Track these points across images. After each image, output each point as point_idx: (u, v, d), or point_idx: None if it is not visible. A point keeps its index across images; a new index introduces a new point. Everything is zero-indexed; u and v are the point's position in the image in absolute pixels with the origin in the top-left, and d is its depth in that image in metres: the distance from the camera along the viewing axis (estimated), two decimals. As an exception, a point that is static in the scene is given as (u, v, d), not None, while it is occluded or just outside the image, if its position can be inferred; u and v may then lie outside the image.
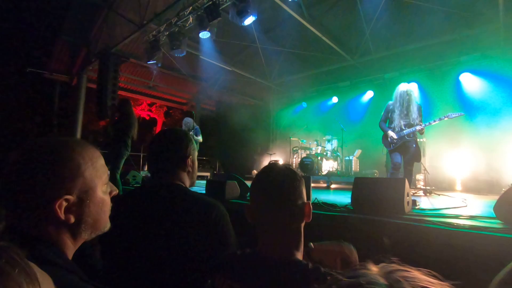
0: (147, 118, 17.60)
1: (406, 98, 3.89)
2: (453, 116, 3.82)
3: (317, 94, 9.24)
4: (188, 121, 6.24)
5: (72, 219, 0.65)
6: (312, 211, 0.93)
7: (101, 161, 0.72)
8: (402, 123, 3.89)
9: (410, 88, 3.94)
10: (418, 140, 4.07)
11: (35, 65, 9.28)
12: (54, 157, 0.64)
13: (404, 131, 3.86)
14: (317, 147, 7.32)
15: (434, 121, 3.91)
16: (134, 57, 8.40)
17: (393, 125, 3.97)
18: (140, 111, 16.56)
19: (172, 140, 1.23)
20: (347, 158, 7.20)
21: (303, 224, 0.93)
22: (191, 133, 6.24)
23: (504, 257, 1.55)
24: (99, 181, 0.71)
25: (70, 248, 0.67)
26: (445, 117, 3.85)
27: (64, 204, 0.63)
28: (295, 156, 7.77)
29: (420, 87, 7.11)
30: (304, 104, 9.69)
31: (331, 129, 7.73)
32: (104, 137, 4.78)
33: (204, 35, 5.62)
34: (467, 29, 5.99)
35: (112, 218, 1.08)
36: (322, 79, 8.82)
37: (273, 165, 0.98)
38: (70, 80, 9.21)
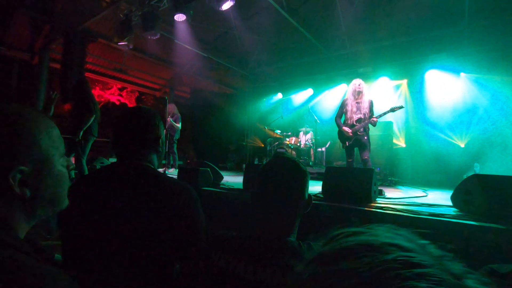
0: (117, 103, 16.78)
1: (360, 94, 4.06)
2: (396, 109, 4.04)
3: (293, 86, 9.31)
4: (172, 107, 6.30)
5: (28, 193, 0.59)
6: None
7: (56, 131, 0.67)
8: (355, 118, 4.07)
9: (362, 84, 4.10)
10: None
11: (-11, 39, 8.44)
12: (6, 126, 0.58)
13: (356, 127, 4.03)
14: (291, 138, 7.42)
15: (385, 113, 4.10)
16: (104, 37, 7.90)
17: (347, 120, 4.14)
18: (110, 95, 15.73)
19: (144, 120, 1.17)
20: (319, 149, 7.38)
21: (301, 215, 1.01)
22: (170, 119, 6.11)
23: (457, 239, 1.68)
24: (56, 152, 0.65)
25: (23, 226, 0.61)
26: (389, 110, 4.06)
27: (19, 176, 0.58)
28: (269, 147, 7.83)
29: (391, 82, 7.45)
30: (280, 95, 9.74)
31: (306, 120, 7.86)
32: (70, 121, 4.50)
33: (180, 17, 5.41)
34: (434, 30, 6.30)
35: (75, 200, 1.02)
36: (298, 70, 8.89)
37: (285, 158, 1.04)
38: (31, 58, 8.50)
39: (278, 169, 0.99)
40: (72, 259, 0.98)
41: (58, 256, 0.96)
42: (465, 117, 6.32)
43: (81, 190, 1.06)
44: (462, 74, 6.42)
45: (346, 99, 4.21)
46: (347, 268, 0.29)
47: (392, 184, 5.36)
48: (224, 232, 0.97)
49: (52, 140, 0.65)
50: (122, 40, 6.41)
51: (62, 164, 0.68)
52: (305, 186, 0.99)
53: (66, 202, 0.70)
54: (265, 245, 0.87)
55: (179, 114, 6.48)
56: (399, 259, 0.28)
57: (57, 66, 7.78)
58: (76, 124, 4.07)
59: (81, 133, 4.03)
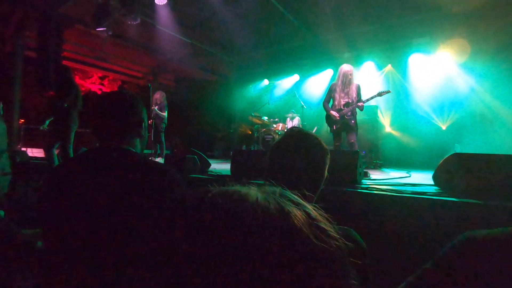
0: (99, 92, 16.25)
1: (348, 78, 4.08)
2: (383, 93, 4.12)
3: (278, 71, 9.25)
4: (160, 95, 6.20)
5: None
6: None
7: (1, 126, 0.59)
8: (342, 102, 4.11)
9: (351, 69, 4.13)
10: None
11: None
12: None
13: (344, 111, 4.08)
14: (278, 124, 7.43)
15: (372, 98, 4.17)
16: (81, 22, 7.53)
17: (334, 104, 4.18)
18: (91, 84, 15.19)
19: (126, 103, 1.14)
20: (306, 135, 7.44)
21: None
22: (155, 108, 5.98)
23: (437, 215, 1.76)
24: None
25: None
26: (376, 94, 4.13)
27: None
28: (256, 133, 7.82)
29: (376, 67, 7.52)
30: (266, 81, 9.68)
31: (293, 106, 7.86)
32: (50, 112, 4.38)
33: (161, 1, 5.21)
34: (417, 13, 6.35)
35: (54, 184, 1.00)
36: (283, 55, 8.82)
37: (306, 132, 0.96)
38: (2, 46, 8.04)
39: (295, 144, 0.92)
40: (53, 246, 0.96)
41: (39, 243, 0.94)
42: (446, 99, 6.49)
43: (61, 175, 1.03)
44: (443, 57, 6.53)
45: (334, 84, 4.22)
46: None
47: (377, 167, 5.50)
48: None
49: None
50: (101, 25, 6.14)
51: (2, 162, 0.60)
52: (327, 164, 0.94)
53: None
54: None
55: (165, 102, 6.33)
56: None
57: (33, 54, 7.41)
58: (66, 109, 4.00)
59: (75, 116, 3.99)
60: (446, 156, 2.26)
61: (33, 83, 8.36)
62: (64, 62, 8.33)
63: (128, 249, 0.90)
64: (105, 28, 6.21)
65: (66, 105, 3.99)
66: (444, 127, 6.54)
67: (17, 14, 7.30)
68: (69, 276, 0.89)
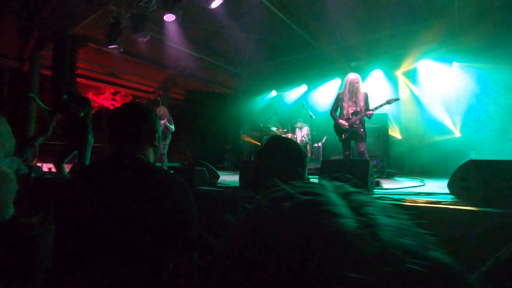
0: (111, 108, 16.67)
1: (355, 87, 4.03)
2: (392, 101, 4.03)
3: (286, 82, 9.30)
4: (163, 110, 6.16)
5: None
6: None
7: (5, 127, 0.58)
8: (350, 111, 4.05)
9: (358, 77, 4.08)
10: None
11: (-23, 49, 8.32)
12: None
13: (352, 119, 4.01)
14: (286, 135, 7.40)
15: (381, 106, 4.09)
16: (94, 41, 7.82)
17: (342, 113, 4.12)
18: (103, 100, 15.61)
19: (142, 113, 1.18)
20: (316, 144, 7.37)
21: None
22: (165, 121, 6.06)
23: (452, 225, 1.67)
24: (0, 149, 0.56)
25: None
26: (385, 102, 4.05)
27: None
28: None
29: (384, 74, 7.46)
30: (274, 92, 9.72)
31: (301, 116, 7.84)
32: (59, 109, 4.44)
33: (169, 18, 5.36)
34: (425, 20, 6.31)
35: (70, 191, 1.02)
36: (291, 67, 8.88)
37: (280, 138, 1.00)
38: (21, 66, 8.41)
39: (273, 150, 0.95)
40: (65, 249, 0.97)
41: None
42: (459, 106, 6.34)
43: (77, 182, 1.07)
44: (454, 63, 6.44)
45: (341, 93, 4.18)
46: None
47: (390, 175, 5.36)
48: (221, 218, 0.94)
49: None
50: (112, 43, 6.35)
51: (8, 165, 0.58)
52: (305, 167, 0.94)
53: (10, 210, 0.58)
54: None
55: (170, 116, 6.39)
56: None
57: (48, 72, 7.69)
58: (82, 122, 4.10)
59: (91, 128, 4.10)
60: (461, 163, 2.18)
61: (49, 100, 8.65)
62: (78, 80, 8.62)
63: (141, 255, 0.91)
64: (117, 46, 6.41)
65: (82, 114, 4.07)
66: (457, 134, 6.37)
67: (35, 36, 7.65)
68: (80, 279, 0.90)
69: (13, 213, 0.59)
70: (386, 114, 6.71)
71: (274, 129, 7.90)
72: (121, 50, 6.76)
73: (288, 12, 6.74)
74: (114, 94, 16.03)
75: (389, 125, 6.84)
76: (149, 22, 5.85)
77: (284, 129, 7.75)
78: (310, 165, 6.53)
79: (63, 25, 6.88)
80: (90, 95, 14.32)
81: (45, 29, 7.37)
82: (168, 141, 6.31)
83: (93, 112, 4.64)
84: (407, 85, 7.22)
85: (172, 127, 6.22)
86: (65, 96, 4.10)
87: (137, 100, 16.22)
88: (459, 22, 5.96)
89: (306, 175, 0.95)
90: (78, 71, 8.65)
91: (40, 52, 7.71)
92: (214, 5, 4.97)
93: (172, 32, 7.14)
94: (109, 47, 6.47)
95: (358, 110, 4.02)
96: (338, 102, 4.21)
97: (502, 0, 5.54)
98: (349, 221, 0.25)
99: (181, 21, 5.59)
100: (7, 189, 0.57)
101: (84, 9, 6.68)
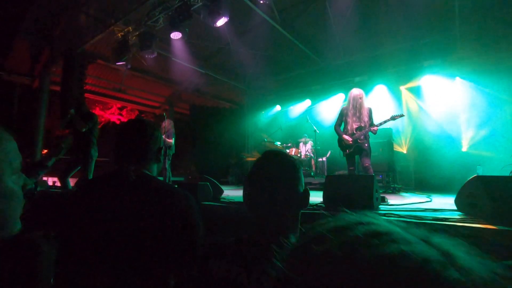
0: (118, 122, 16.91)
1: (358, 102, 4.04)
2: (396, 117, 4.01)
3: (290, 97, 9.38)
4: (168, 123, 6.21)
5: None
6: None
7: (12, 145, 0.59)
8: (354, 126, 4.04)
9: (361, 93, 4.09)
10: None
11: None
12: None
13: (356, 135, 4.00)
14: (291, 149, 7.40)
15: (386, 122, 4.08)
16: (102, 58, 8.05)
17: (346, 128, 4.11)
18: (110, 115, 15.87)
19: (148, 130, 1.22)
20: (320, 159, 7.34)
21: (300, 212, 0.92)
22: (164, 135, 6.07)
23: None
24: (7, 167, 0.57)
25: None
26: (390, 118, 4.03)
27: None
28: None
29: (388, 89, 7.49)
30: (278, 107, 9.80)
31: (305, 131, 7.86)
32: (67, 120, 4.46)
33: (176, 36, 5.52)
34: (426, 37, 6.39)
35: (75, 204, 1.03)
36: (295, 82, 8.98)
37: (272, 152, 0.97)
38: (31, 82, 8.64)
39: (266, 164, 0.93)
40: (69, 264, 0.97)
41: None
42: (464, 120, 6.31)
43: (82, 195, 1.09)
44: (457, 78, 6.46)
45: (345, 108, 4.18)
46: (321, 251, 0.27)
47: (395, 191, 5.29)
48: (221, 239, 0.93)
49: (4, 153, 0.58)
50: (120, 60, 6.52)
51: (15, 182, 0.60)
52: (296, 178, 0.91)
53: (17, 226, 0.59)
54: (259, 248, 0.81)
55: (173, 130, 6.38)
56: (369, 230, 0.27)
57: (57, 88, 7.89)
58: (86, 137, 4.14)
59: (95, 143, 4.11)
60: (468, 179, 2.15)
61: (57, 115, 8.83)
62: (86, 95, 8.81)
63: (144, 269, 0.91)
64: (124, 62, 6.58)
65: (84, 129, 4.12)
66: (464, 148, 6.30)
67: (45, 53, 7.90)
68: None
69: (20, 228, 0.60)
70: (390, 129, 6.69)
71: (278, 143, 7.92)
72: (129, 66, 6.94)
73: (292, 29, 6.89)
74: (121, 109, 16.30)
75: (394, 140, 6.81)
76: (156, 40, 6.02)
77: (288, 143, 7.75)
78: (315, 180, 6.50)
79: (73, 43, 7.12)
80: (97, 110, 14.58)
81: (56, 47, 7.63)
82: (171, 153, 6.29)
83: (99, 126, 4.70)
84: (411, 99, 7.23)
85: (171, 141, 6.17)
86: (72, 111, 4.17)
87: (142, 115, 16.48)
88: (461, 37, 6.02)
89: (303, 186, 0.92)
90: (87, 87, 8.87)
91: (50, 69, 7.93)
92: (219, 23, 5.11)
93: (178, 49, 7.33)
94: (117, 63, 6.65)
95: (362, 125, 4.02)
96: (342, 117, 4.21)
97: (503, 14, 5.60)
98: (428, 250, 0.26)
99: (187, 39, 5.74)
100: (15, 205, 0.59)
101: (93, 27, 6.92)
